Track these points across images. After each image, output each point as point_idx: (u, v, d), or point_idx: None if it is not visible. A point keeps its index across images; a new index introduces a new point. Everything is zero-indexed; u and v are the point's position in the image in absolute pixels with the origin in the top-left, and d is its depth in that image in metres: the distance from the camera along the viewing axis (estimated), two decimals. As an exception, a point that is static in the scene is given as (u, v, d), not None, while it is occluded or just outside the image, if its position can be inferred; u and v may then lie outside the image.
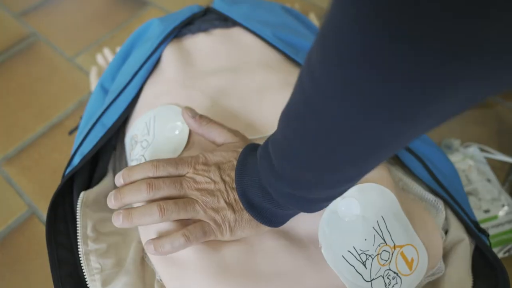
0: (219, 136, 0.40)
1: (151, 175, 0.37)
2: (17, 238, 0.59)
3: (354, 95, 0.20)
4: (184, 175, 0.37)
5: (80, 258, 0.38)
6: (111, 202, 0.36)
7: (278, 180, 0.30)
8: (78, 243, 0.39)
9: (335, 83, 0.20)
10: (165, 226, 0.37)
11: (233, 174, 0.36)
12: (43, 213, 0.62)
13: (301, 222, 0.38)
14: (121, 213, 0.35)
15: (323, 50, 0.20)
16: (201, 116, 0.41)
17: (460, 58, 0.16)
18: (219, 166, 0.37)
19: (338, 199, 0.36)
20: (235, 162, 0.36)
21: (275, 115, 0.44)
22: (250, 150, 0.36)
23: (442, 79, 0.17)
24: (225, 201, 0.35)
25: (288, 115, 0.27)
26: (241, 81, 0.47)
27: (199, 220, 0.35)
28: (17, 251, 0.58)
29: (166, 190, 0.35)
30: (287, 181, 0.30)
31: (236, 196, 0.35)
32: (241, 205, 0.35)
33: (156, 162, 0.37)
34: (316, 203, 0.32)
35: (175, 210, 0.34)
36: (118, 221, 0.35)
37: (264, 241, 0.37)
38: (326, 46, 0.20)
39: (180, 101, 0.45)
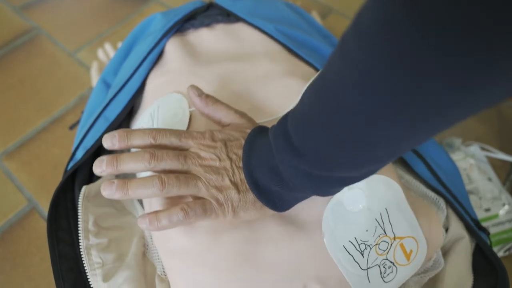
0: (226, 116, 0.38)
1: (152, 141, 0.35)
2: (17, 232, 0.59)
3: (400, 65, 0.19)
4: (187, 149, 0.35)
5: (81, 253, 0.38)
6: (101, 167, 0.33)
7: (297, 158, 0.29)
8: (79, 238, 0.38)
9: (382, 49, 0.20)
10: (168, 203, 0.35)
11: (240, 152, 0.34)
12: (43, 208, 0.62)
13: (305, 209, 0.37)
14: (115, 182, 0.33)
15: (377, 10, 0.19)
16: (207, 96, 0.39)
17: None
18: (225, 143, 0.35)
19: (345, 189, 0.36)
20: (242, 141, 0.35)
21: (280, 98, 0.44)
22: (259, 131, 0.35)
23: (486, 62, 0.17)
24: (230, 180, 0.34)
25: (321, 88, 0.26)
26: (245, 69, 0.46)
27: (200, 198, 0.34)
28: (17, 245, 0.58)
29: (169, 162, 0.33)
30: (307, 160, 0.28)
31: (242, 176, 0.34)
32: (247, 186, 0.33)
33: (158, 129, 0.35)
34: (333, 186, 0.31)
35: (176, 184, 0.32)
36: (110, 190, 0.32)
37: (267, 229, 0.36)
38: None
39: (183, 89, 0.44)
